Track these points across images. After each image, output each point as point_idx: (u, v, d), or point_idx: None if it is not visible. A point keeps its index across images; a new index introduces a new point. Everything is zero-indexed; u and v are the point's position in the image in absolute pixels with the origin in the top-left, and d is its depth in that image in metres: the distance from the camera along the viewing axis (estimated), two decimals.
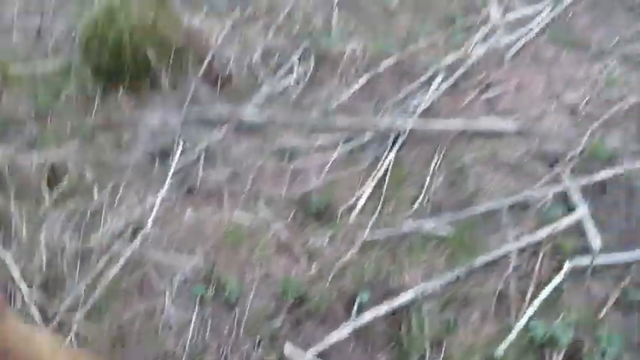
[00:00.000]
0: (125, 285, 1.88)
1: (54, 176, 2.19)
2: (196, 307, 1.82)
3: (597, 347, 1.67)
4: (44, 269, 1.92)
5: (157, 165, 2.18)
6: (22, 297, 1.88)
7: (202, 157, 2.18)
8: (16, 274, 1.90)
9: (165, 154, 2.20)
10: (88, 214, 2.03)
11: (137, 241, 1.93)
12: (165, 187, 2.06)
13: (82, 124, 2.34)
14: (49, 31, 3.21)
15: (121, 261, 1.88)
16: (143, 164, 2.18)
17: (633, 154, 2.05)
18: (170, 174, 2.10)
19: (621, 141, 2.09)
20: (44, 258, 1.93)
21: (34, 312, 1.82)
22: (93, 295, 1.82)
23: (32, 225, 2.03)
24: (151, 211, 2.02)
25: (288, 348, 1.70)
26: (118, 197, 2.07)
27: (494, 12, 2.79)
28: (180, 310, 1.83)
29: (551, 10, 2.75)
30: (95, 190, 2.09)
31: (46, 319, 1.81)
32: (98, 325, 1.78)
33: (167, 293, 1.85)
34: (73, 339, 1.73)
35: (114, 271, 1.88)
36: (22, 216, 2.06)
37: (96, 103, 2.39)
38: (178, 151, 2.14)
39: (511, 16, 2.76)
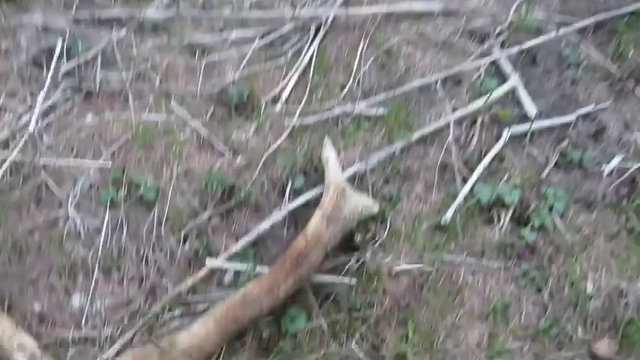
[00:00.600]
0: (18, 196, 1.60)
1: None
2: (107, 211, 1.59)
3: (544, 204, 1.63)
4: None
5: (45, 71, 1.88)
6: None
7: (99, 59, 1.90)
8: None
9: (50, 57, 1.89)
10: None
11: (20, 144, 1.63)
12: (54, 88, 1.78)
13: None
14: None
15: (4, 166, 1.59)
16: (29, 70, 1.86)
17: (558, 24, 2.02)
18: (60, 75, 1.82)
19: (545, 13, 2.06)
20: None
21: None
22: None
23: None
24: (45, 116, 1.73)
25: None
26: None
27: None
28: (88, 216, 1.59)
29: None
30: None
31: None
32: None
33: (70, 200, 1.59)
34: None
35: (3, 181, 1.59)
36: None
37: None
38: (63, 52, 1.85)
39: None
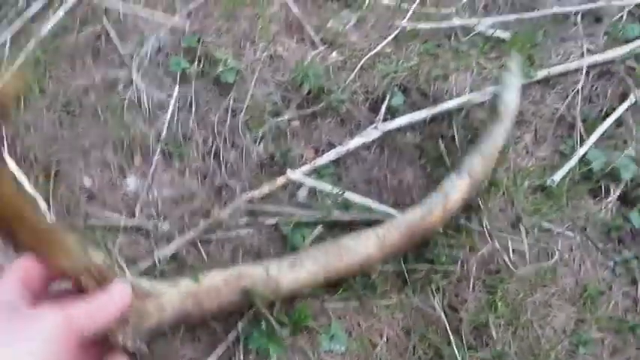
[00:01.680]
0: (73, 43, 1.33)
1: None
2: (177, 85, 1.34)
3: None
4: None
5: None
6: None
7: None
8: None
9: None
10: None
11: None
12: None
13: None
14: None
15: (65, 6, 1.30)
16: None
17: None
18: None
19: None
20: None
21: None
22: (22, 52, 1.27)
23: None
24: None
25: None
26: None
27: None
28: (153, 86, 1.34)
29: None
30: None
31: None
32: (32, 93, 1.26)
33: (134, 61, 1.33)
34: None
35: (55, 19, 1.30)
36: None
37: None
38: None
39: None
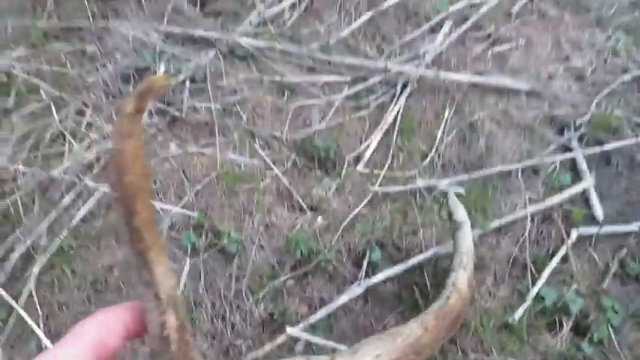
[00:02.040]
0: (99, 228, 1.56)
1: None
2: (187, 257, 1.56)
3: (603, 316, 1.67)
4: None
5: (131, 86, 1.81)
6: None
7: (188, 83, 1.84)
8: None
9: (141, 75, 1.83)
10: (47, 140, 1.65)
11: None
12: (146, 114, 1.71)
13: (31, 28, 1.88)
14: None
15: (94, 199, 1.56)
16: (115, 84, 1.79)
17: (636, 126, 2.03)
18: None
19: (625, 112, 2.06)
20: None
21: None
22: (58, 238, 1.49)
23: None
24: None
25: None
26: (84, 122, 1.70)
27: None
28: (169, 259, 1.56)
29: None
30: (54, 110, 1.69)
31: None
32: (64, 275, 1.47)
33: None
34: (32, 292, 1.41)
35: (84, 210, 1.55)
36: None
37: (49, 2, 1.93)
38: (161, 71, 1.78)
39: None
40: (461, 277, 1.42)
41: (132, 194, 0.45)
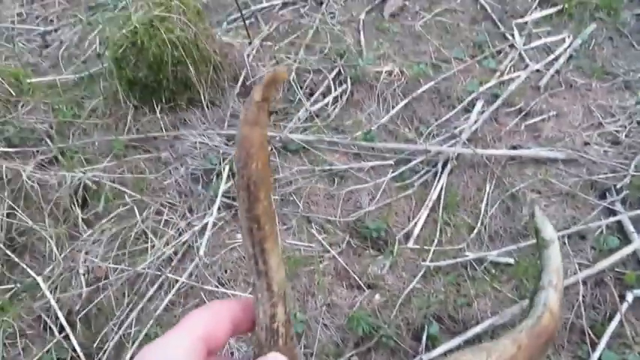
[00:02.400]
0: (179, 314, 1.73)
1: (86, 196, 2.02)
2: None
3: None
4: (84, 297, 1.75)
5: (200, 186, 2.05)
6: (60, 329, 1.71)
7: None
8: (52, 302, 1.73)
9: (209, 175, 2.07)
10: (132, 238, 1.88)
11: (190, 268, 1.79)
12: (210, 205, 1.93)
13: (114, 141, 2.18)
14: (56, 40, 3.05)
15: (175, 289, 1.74)
16: (187, 184, 2.04)
17: None
18: (214, 193, 1.97)
19: None
20: (84, 283, 1.76)
21: (76, 347, 1.65)
22: (144, 328, 1.67)
23: (68, 248, 1.86)
24: (201, 235, 1.88)
25: None
26: (162, 220, 1.93)
27: (518, 39, 2.82)
28: (244, 343, 1.70)
29: (572, 41, 2.80)
30: (137, 212, 1.93)
31: (89, 356, 1.64)
32: None
33: None
34: None
35: (167, 299, 1.73)
36: (54, 238, 1.88)
37: (128, 119, 2.24)
38: (225, 171, 2.02)
39: (535, 44, 2.80)
40: (552, 296, 1.46)
41: (257, 181, 0.45)
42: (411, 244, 1.96)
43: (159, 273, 1.78)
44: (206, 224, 1.90)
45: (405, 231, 1.99)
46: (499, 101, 2.39)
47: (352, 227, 1.99)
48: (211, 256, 1.84)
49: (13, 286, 1.81)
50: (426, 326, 1.73)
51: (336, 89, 2.49)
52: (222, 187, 1.99)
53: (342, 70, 2.56)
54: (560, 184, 2.09)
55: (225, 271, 1.83)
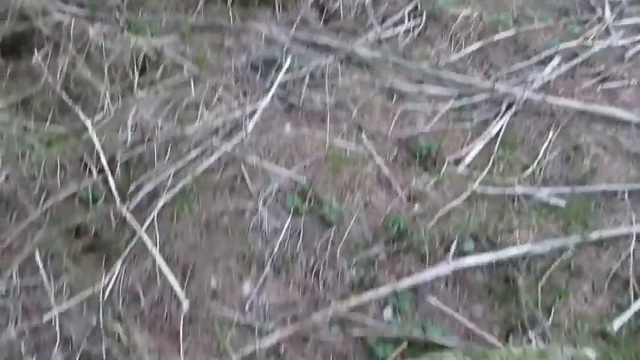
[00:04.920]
0: (217, 180, 1.85)
1: (147, 63, 2.17)
2: (289, 217, 1.79)
3: None
4: (129, 146, 1.89)
5: (259, 75, 2.18)
6: (99, 171, 1.84)
7: (307, 78, 2.17)
8: (97, 144, 1.87)
9: (268, 67, 2.20)
10: (184, 106, 2.01)
11: (234, 140, 1.91)
12: (269, 95, 2.05)
13: (182, 22, 2.34)
14: None
15: (216, 155, 1.86)
16: (245, 71, 2.17)
17: None
18: (275, 84, 2.09)
19: None
20: (130, 135, 1.90)
21: (112, 188, 1.78)
22: (180, 183, 1.79)
23: (121, 103, 2.01)
24: (252, 115, 2.00)
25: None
26: (216, 96, 2.06)
27: (608, 14, 2.83)
28: (272, 216, 1.80)
29: None
30: (192, 84, 2.07)
31: (123, 199, 1.77)
32: (182, 212, 1.75)
33: (260, 197, 1.82)
34: (155, 222, 1.69)
35: (207, 163, 1.85)
36: (109, 93, 2.03)
37: (199, 5, 2.40)
38: (285, 65, 2.14)
39: (625, 22, 2.81)
40: None
41: None
42: (460, 169, 2.02)
43: (204, 139, 1.90)
44: (257, 108, 2.02)
45: (457, 156, 2.05)
46: (578, 59, 2.43)
47: (402, 142, 2.07)
48: (257, 134, 1.95)
49: (63, 127, 1.97)
50: (461, 242, 1.78)
51: (409, 21, 2.58)
52: (280, 79, 2.11)
53: (418, 6, 2.65)
54: (629, 144, 2.11)
55: (269, 152, 1.94)
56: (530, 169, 2.03)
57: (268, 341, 1.53)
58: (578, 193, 1.95)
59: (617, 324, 1.64)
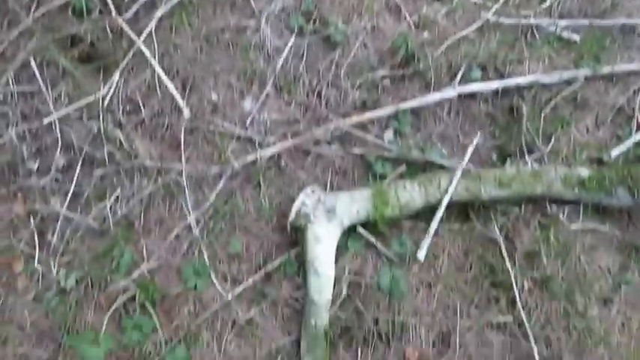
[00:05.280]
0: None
1: None
2: (293, 36, 1.74)
3: None
4: None
5: None
6: None
7: None
8: None
9: None
10: None
11: None
12: None
13: None
14: None
15: None
16: None
17: None
18: None
19: None
20: None
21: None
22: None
23: None
24: None
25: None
26: None
27: None
28: (275, 35, 1.75)
29: None
30: None
31: (118, 10, 1.69)
32: (182, 25, 1.70)
33: (264, 14, 1.75)
34: (153, 34, 1.64)
35: None
36: None
37: None
38: None
39: None
40: None
41: None
42: None
43: None
44: None
45: None
46: None
47: None
48: None
49: None
50: (468, 70, 1.75)
51: None
52: None
53: None
54: None
55: None
56: (547, 2, 1.93)
57: (269, 152, 1.56)
58: (595, 27, 1.88)
59: (614, 152, 1.66)
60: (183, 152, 1.55)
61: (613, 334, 1.33)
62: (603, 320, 1.35)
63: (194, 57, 1.66)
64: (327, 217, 1.27)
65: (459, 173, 1.41)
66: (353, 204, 1.32)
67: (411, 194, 1.36)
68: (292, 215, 1.27)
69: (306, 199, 1.30)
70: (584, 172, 1.47)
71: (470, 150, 1.56)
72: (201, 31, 1.70)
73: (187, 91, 1.62)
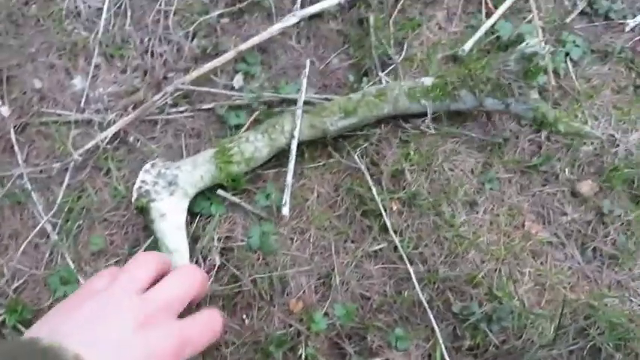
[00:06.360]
0: None
1: None
2: None
3: (561, 49, 1.72)
4: None
5: None
6: None
7: None
8: None
9: None
10: None
11: None
12: None
13: None
14: None
15: None
16: None
17: None
18: None
19: None
20: None
21: None
22: None
23: None
24: None
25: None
26: None
27: None
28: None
29: None
30: None
31: None
32: None
33: None
34: None
35: None
36: None
37: None
38: None
39: None
40: None
41: None
42: None
43: None
44: None
45: None
46: None
47: None
48: None
49: None
50: None
51: None
52: None
53: None
54: None
55: None
56: None
57: (112, 131, 1.47)
58: None
59: (467, 45, 1.66)
60: (19, 154, 1.45)
61: (482, 235, 1.40)
62: (471, 224, 1.41)
63: (1, 43, 1.50)
64: (169, 191, 1.24)
65: (299, 112, 1.38)
66: (196, 170, 1.28)
67: (254, 145, 1.33)
68: (134, 197, 1.23)
69: (146, 176, 1.26)
70: (428, 81, 1.47)
71: (304, 82, 1.51)
72: (0, 10, 1.52)
73: (4, 84, 1.48)
